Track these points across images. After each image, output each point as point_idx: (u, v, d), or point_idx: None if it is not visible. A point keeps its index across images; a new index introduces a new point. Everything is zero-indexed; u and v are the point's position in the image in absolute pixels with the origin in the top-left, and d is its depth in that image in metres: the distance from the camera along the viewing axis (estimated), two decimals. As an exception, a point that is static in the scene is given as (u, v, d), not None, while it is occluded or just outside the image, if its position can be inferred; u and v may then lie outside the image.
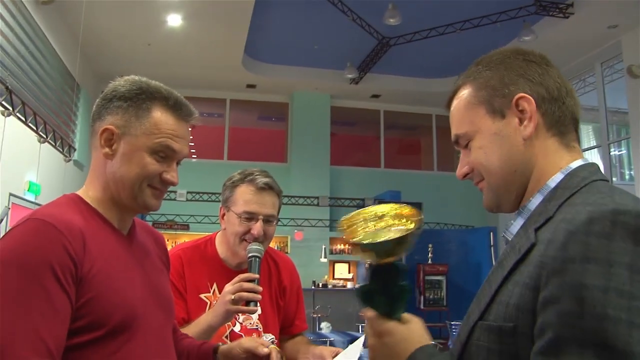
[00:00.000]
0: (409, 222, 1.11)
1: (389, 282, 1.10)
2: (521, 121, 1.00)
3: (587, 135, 14.86)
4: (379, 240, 1.07)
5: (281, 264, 2.11)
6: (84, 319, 1.11)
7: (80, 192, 1.33)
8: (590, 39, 9.24)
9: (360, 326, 9.94)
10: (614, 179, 11.21)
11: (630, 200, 0.80)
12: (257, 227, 1.88)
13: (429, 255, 11.66)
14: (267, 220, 1.92)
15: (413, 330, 1.05)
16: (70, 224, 1.16)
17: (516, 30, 8.95)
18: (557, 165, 0.98)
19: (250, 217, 1.89)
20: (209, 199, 10.88)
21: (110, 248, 1.23)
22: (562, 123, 1.01)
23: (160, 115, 1.29)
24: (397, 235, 1.06)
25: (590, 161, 0.99)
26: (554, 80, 1.03)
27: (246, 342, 1.54)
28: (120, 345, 1.16)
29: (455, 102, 1.10)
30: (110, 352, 1.15)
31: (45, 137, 7.35)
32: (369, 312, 1.07)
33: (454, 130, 1.09)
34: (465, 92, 1.07)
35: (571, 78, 11.16)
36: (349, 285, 12.00)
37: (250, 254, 1.81)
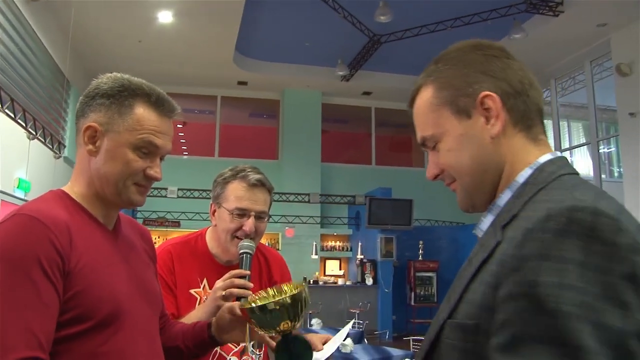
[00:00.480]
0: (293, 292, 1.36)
1: (294, 355, 1.34)
2: (487, 120, 0.98)
3: (577, 132, 14.94)
4: (257, 305, 1.31)
5: (271, 259, 2.12)
6: (71, 312, 1.13)
7: (65, 188, 1.35)
8: (579, 37, 9.30)
9: (350, 322, 9.97)
10: (603, 175, 11.28)
11: (590, 196, 0.80)
12: (249, 224, 1.88)
13: (420, 252, 11.72)
14: (259, 216, 1.92)
15: None
16: (57, 219, 1.18)
17: (507, 28, 8.99)
18: (526, 161, 0.97)
19: (242, 213, 1.89)
20: (200, 196, 10.87)
21: (96, 243, 1.25)
22: (528, 117, 0.99)
23: (142, 112, 1.31)
24: (271, 301, 1.31)
25: (559, 155, 0.98)
26: (516, 74, 1.00)
27: (227, 304, 1.56)
28: (107, 338, 1.18)
29: (417, 103, 1.07)
30: (97, 344, 1.16)
31: (34, 133, 7.32)
32: None
33: (420, 133, 1.06)
34: (427, 93, 1.04)
35: (561, 76, 11.23)
36: (340, 282, 12.04)
37: (241, 250, 1.82)
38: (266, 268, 2.09)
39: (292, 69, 11.81)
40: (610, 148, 13.82)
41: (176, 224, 11.63)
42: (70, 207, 1.27)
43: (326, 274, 12.76)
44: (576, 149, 13.55)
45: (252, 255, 1.83)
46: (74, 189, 1.34)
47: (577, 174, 0.94)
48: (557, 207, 0.77)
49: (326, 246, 12.81)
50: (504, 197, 0.97)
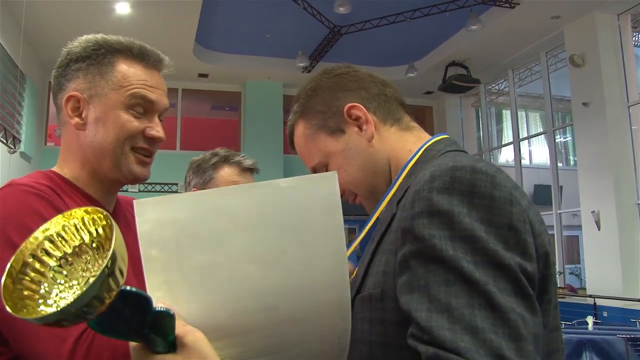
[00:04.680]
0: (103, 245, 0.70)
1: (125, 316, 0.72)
2: (360, 128, 1.07)
3: (535, 122, 15.26)
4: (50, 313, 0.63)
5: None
6: None
7: (54, 169, 1.20)
8: (535, 28, 9.49)
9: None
10: (559, 164, 11.55)
11: (468, 159, 0.87)
12: None
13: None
14: None
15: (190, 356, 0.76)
16: (52, 194, 1.05)
17: (464, 20, 9.12)
18: (407, 148, 1.06)
19: None
20: (162, 190, 10.75)
21: None
22: (393, 111, 1.09)
23: (126, 67, 1.16)
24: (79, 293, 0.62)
25: (445, 135, 1.07)
26: (367, 79, 1.10)
27: None
28: None
29: (296, 141, 1.15)
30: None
31: (-12, 128, 7.12)
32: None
33: (309, 165, 1.14)
34: (300, 129, 1.13)
35: (518, 67, 11.46)
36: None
37: None
38: None
39: (253, 60, 11.74)
40: (566, 137, 14.18)
41: (138, 218, 11.44)
42: (63, 186, 1.12)
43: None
44: (534, 138, 13.85)
45: None
46: (63, 170, 1.18)
47: (463, 151, 1.02)
48: (440, 168, 0.84)
49: (290, 238, 12.81)
50: (398, 179, 1.04)
